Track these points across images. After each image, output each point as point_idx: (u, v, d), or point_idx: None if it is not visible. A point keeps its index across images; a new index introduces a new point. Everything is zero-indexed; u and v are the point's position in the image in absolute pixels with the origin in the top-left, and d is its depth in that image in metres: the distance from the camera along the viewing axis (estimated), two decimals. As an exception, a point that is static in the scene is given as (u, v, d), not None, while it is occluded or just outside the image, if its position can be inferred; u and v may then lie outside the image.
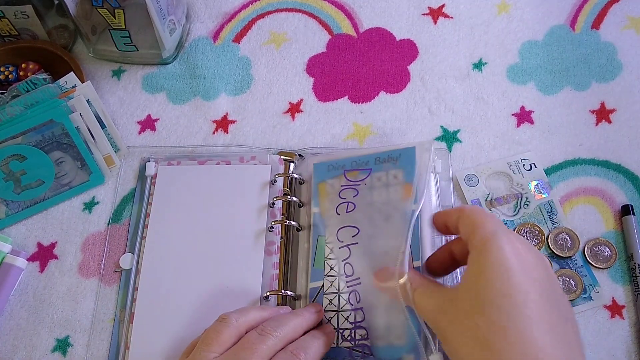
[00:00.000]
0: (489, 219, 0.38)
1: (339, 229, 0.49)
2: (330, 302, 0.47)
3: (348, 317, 0.46)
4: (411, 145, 0.49)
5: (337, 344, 0.46)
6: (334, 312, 0.47)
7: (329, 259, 0.49)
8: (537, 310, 0.33)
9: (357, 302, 0.47)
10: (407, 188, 0.47)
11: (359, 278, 0.47)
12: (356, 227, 0.49)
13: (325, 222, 0.50)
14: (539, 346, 0.32)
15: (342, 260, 0.48)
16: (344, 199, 0.50)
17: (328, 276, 0.48)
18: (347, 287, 0.47)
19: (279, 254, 0.51)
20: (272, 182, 0.54)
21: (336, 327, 0.46)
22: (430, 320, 0.39)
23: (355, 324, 0.46)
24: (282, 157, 0.56)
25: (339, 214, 0.50)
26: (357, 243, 0.48)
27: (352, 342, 0.46)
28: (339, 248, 0.49)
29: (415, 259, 0.45)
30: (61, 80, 0.57)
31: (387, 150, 0.50)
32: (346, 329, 0.46)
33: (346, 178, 0.51)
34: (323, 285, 0.48)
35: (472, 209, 0.39)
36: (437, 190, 0.52)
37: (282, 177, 0.54)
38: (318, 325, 0.46)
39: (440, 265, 0.44)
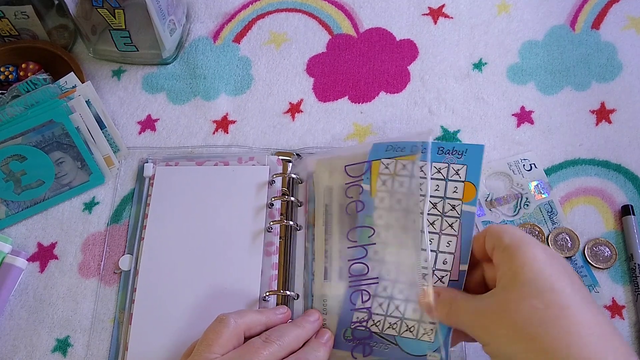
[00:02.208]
0: (514, 229, 0.40)
1: (390, 213, 0.47)
2: (369, 284, 0.47)
3: (382, 304, 0.46)
4: (480, 144, 0.47)
5: (367, 326, 0.46)
6: (369, 297, 0.46)
7: (372, 241, 0.47)
8: (579, 300, 0.36)
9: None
10: (468, 187, 0.45)
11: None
12: (406, 215, 0.47)
13: (374, 202, 0.48)
14: (603, 325, 0.35)
15: (385, 244, 0.47)
16: (400, 183, 0.47)
17: (370, 259, 0.47)
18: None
19: (278, 255, 0.51)
20: (271, 183, 0.54)
21: (369, 309, 0.46)
22: (468, 326, 0.40)
23: (387, 314, 0.46)
24: (280, 157, 0.56)
25: (391, 197, 0.47)
26: (405, 231, 0.46)
27: (380, 329, 0.46)
28: (385, 231, 0.47)
29: (462, 262, 0.44)
30: (61, 81, 0.57)
31: (453, 143, 0.48)
32: (378, 314, 0.46)
33: (403, 161, 0.48)
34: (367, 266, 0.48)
35: (496, 225, 0.41)
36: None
37: (281, 177, 0.54)
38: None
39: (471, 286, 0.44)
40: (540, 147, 0.56)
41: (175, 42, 0.63)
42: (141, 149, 0.59)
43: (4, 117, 0.55)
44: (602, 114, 0.57)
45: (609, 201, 0.53)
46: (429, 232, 0.45)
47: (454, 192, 0.45)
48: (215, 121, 0.60)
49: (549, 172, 0.55)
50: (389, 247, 0.47)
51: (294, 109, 0.60)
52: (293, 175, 0.55)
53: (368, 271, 0.48)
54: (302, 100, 0.61)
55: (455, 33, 0.63)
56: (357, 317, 0.47)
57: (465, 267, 0.44)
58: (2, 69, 0.62)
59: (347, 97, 0.61)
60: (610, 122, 0.57)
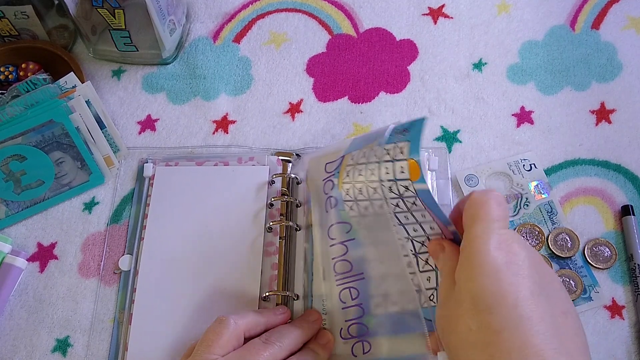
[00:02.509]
0: (487, 211, 0.36)
1: (356, 204, 0.46)
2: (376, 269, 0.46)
3: (378, 304, 0.46)
4: (421, 117, 0.42)
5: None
6: (358, 293, 0.46)
7: (350, 238, 0.47)
8: (530, 308, 0.32)
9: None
10: (412, 165, 0.40)
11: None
12: (374, 203, 0.45)
13: (341, 195, 0.47)
14: (536, 347, 0.31)
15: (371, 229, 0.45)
16: (360, 173, 0.45)
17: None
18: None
19: (277, 255, 0.51)
20: (271, 183, 0.54)
21: (362, 305, 0.45)
22: (436, 325, 0.39)
23: (402, 290, 0.45)
24: (280, 157, 0.56)
25: (354, 189, 0.46)
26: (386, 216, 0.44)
27: (400, 307, 0.45)
28: (368, 220, 0.46)
29: (447, 223, 0.39)
30: (61, 81, 0.57)
31: (403, 123, 0.43)
32: (392, 293, 0.45)
33: (362, 150, 0.45)
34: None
35: (479, 196, 0.37)
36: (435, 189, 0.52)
37: (280, 178, 0.54)
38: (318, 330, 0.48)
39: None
40: (540, 147, 0.56)
41: (175, 42, 0.63)
42: (141, 149, 0.59)
43: (4, 117, 0.55)
44: (602, 114, 0.57)
45: (609, 201, 0.53)
46: (401, 212, 0.43)
47: (402, 172, 0.41)
48: (215, 121, 0.60)
49: (548, 172, 0.55)
50: (365, 240, 0.47)
51: (294, 109, 0.60)
52: (293, 176, 0.55)
53: (352, 267, 0.47)
54: (302, 100, 0.61)
55: (455, 33, 0.63)
56: (351, 315, 0.47)
57: (453, 227, 0.39)
58: (2, 69, 0.62)
59: (347, 97, 0.61)
60: (610, 122, 0.57)
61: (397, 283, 0.46)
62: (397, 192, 0.42)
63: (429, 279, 0.44)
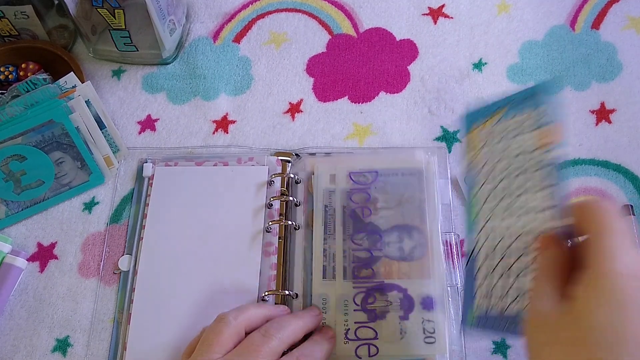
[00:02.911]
0: (616, 222, 0.33)
1: (486, 185, 0.43)
2: (483, 263, 0.42)
3: (498, 282, 0.40)
4: (545, 81, 0.41)
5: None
6: (485, 277, 0.41)
7: (480, 214, 0.43)
8: None
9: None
10: (546, 132, 0.39)
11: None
12: (498, 182, 0.42)
13: (474, 179, 0.44)
14: None
15: (493, 215, 0.42)
16: (492, 146, 0.43)
17: (480, 233, 0.42)
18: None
19: (277, 255, 0.51)
20: (270, 183, 0.54)
21: (488, 292, 0.40)
22: (527, 328, 0.35)
23: (506, 290, 0.40)
24: (280, 157, 0.56)
25: (483, 169, 0.43)
26: (507, 197, 0.41)
27: (501, 310, 0.40)
28: (487, 206, 0.42)
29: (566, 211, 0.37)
30: (61, 81, 0.57)
31: (523, 90, 0.41)
32: (498, 294, 0.40)
33: (487, 127, 0.43)
34: (477, 243, 0.42)
35: (601, 204, 0.34)
36: (436, 189, 0.53)
37: (280, 178, 0.54)
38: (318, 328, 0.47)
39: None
40: (540, 147, 0.56)
41: (175, 42, 0.63)
42: (141, 149, 0.59)
43: (4, 117, 0.55)
44: (602, 114, 0.57)
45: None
46: (530, 191, 0.39)
47: (542, 139, 0.39)
48: (215, 121, 0.60)
49: (548, 172, 0.55)
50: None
51: (294, 109, 0.60)
52: (292, 175, 0.55)
53: (374, 275, 0.49)
54: (302, 100, 0.61)
55: (455, 33, 0.63)
56: (361, 318, 0.47)
57: (566, 222, 0.36)
58: (2, 69, 0.62)
59: (347, 97, 0.61)
60: (610, 122, 0.57)
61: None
62: (534, 164, 0.39)
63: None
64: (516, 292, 0.38)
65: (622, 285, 0.31)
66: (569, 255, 0.35)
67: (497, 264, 0.40)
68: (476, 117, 0.45)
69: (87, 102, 0.57)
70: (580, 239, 0.35)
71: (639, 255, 0.32)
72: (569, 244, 0.36)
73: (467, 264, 0.43)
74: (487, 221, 0.42)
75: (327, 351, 0.45)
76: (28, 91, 0.57)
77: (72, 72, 0.58)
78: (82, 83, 0.58)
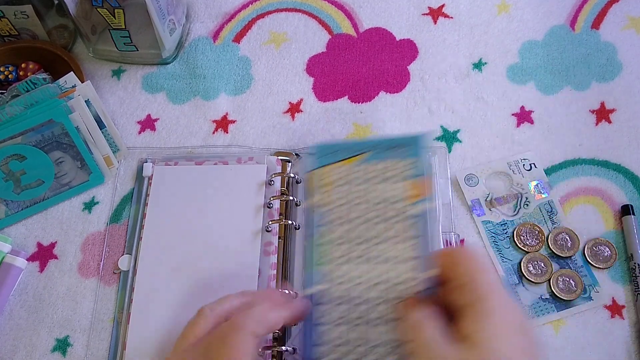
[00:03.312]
0: (485, 264, 0.37)
1: (335, 226, 0.43)
2: (323, 313, 0.41)
3: (361, 331, 0.40)
4: (418, 134, 0.42)
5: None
6: (333, 325, 0.40)
7: (321, 264, 0.42)
8: None
9: (367, 314, 0.41)
10: (415, 185, 0.40)
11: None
12: (356, 226, 0.42)
13: (317, 219, 0.43)
14: None
15: (339, 265, 0.42)
16: (339, 193, 0.43)
17: (320, 284, 0.41)
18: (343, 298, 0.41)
19: (276, 254, 0.51)
20: (270, 183, 0.54)
21: (346, 340, 0.39)
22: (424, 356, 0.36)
23: (367, 340, 0.39)
24: (280, 157, 0.56)
25: (335, 209, 0.43)
26: (358, 245, 0.42)
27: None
28: (336, 249, 0.42)
29: (424, 267, 0.39)
30: (61, 80, 0.57)
31: (392, 137, 0.43)
32: (353, 342, 0.39)
33: (346, 165, 0.44)
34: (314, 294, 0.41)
35: (465, 250, 0.38)
36: (436, 189, 0.53)
37: (280, 177, 0.54)
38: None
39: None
40: (540, 147, 0.56)
41: (175, 42, 0.63)
42: (141, 148, 0.59)
43: (4, 116, 0.55)
44: (602, 114, 0.57)
45: (609, 201, 0.53)
46: (388, 240, 0.40)
47: (402, 192, 0.40)
48: (215, 121, 0.60)
49: (548, 171, 0.55)
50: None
51: (294, 109, 0.60)
52: (292, 175, 0.55)
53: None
54: (302, 100, 0.61)
55: (455, 33, 0.63)
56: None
57: (428, 274, 0.38)
58: (2, 69, 0.62)
59: (347, 96, 0.61)
60: (610, 122, 0.57)
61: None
62: (389, 215, 0.40)
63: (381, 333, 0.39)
64: (371, 342, 0.39)
65: (504, 314, 0.34)
66: (440, 304, 0.37)
67: (352, 312, 0.40)
68: (331, 151, 0.44)
69: (87, 102, 0.57)
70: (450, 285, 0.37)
71: (506, 291, 0.36)
72: (435, 294, 0.38)
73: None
74: (338, 264, 0.41)
75: (283, 318, 0.41)
76: (28, 91, 0.57)
77: (71, 72, 0.58)
78: (82, 83, 0.58)
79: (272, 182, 0.54)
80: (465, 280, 0.36)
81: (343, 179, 0.43)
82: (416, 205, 0.39)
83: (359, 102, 0.60)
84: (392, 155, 0.41)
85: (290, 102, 0.61)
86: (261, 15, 0.66)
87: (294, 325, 0.47)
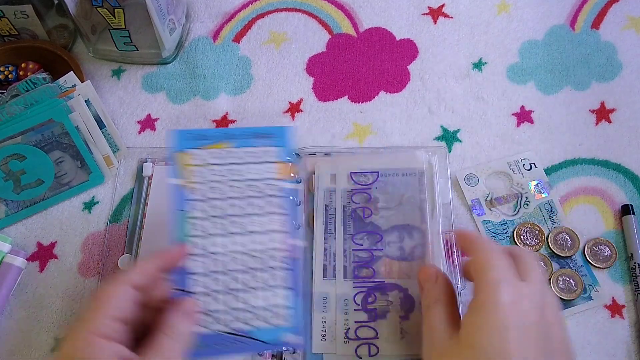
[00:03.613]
0: (495, 264, 0.38)
1: (206, 202, 0.47)
2: (198, 283, 0.45)
3: (220, 299, 0.44)
4: (284, 126, 0.50)
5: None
6: (204, 295, 0.44)
7: (194, 236, 0.46)
8: None
9: (230, 284, 0.45)
10: (282, 168, 0.48)
11: (229, 255, 0.46)
12: (227, 202, 0.47)
13: (188, 195, 0.47)
14: None
15: (210, 236, 0.46)
16: (213, 170, 0.47)
17: (194, 255, 0.45)
18: (218, 267, 0.45)
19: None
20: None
21: (211, 310, 0.44)
22: (425, 348, 0.40)
23: (231, 308, 0.44)
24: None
25: (206, 187, 0.47)
26: (228, 218, 0.46)
27: (227, 326, 0.44)
28: (207, 223, 0.46)
29: (293, 237, 0.46)
30: (61, 80, 0.57)
31: (260, 127, 0.50)
32: (218, 311, 0.44)
33: (210, 149, 0.48)
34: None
35: (484, 250, 0.39)
36: (436, 189, 0.53)
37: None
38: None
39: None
40: (540, 146, 0.56)
41: (175, 42, 0.63)
42: (141, 148, 0.59)
43: (4, 116, 0.55)
44: (602, 114, 0.57)
45: (609, 201, 0.53)
46: (255, 214, 0.46)
47: (271, 172, 0.47)
48: (215, 120, 0.60)
49: (548, 171, 0.55)
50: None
51: (294, 109, 0.60)
52: (292, 175, 0.55)
53: (374, 274, 0.49)
54: (302, 99, 0.61)
55: (455, 33, 0.63)
56: (362, 317, 0.48)
57: (299, 242, 0.46)
58: (2, 69, 0.62)
59: (347, 96, 0.61)
60: (610, 121, 0.57)
61: (246, 279, 0.45)
62: (261, 191, 0.47)
63: (259, 298, 0.44)
64: (242, 310, 0.44)
65: (505, 312, 0.35)
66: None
67: (219, 282, 0.44)
68: (199, 136, 0.48)
69: (87, 102, 0.57)
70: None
71: (520, 286, 0.37)
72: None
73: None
74: (206, 238, 0.46)
75: (156, 265, 0.42)
76: (28, 90, 0.57)
77: (71, 72, 0.58)
78: (82, 82, 0.58)
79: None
80: (477, 274, 0.38)
81: (216, 159, 0.47)
82: (284, 183, 0.47)
83: (359, 102, 0.60)
84: (260, 142, 0.48)
85: (290, 102, 0.61)
86: (261, 15, 0.66)
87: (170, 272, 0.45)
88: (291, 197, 0.47)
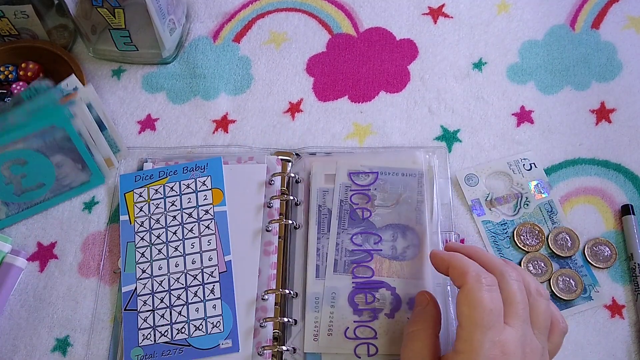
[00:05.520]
0: (471, 267, 0.39)
1: (150, 233, 0.53)
2: (145, 302, 0.50)
3: (164, 314, 0.49)
4: (216, 156, 0.55)
5: (155, 340, 0.49)
6: (149, 312, 0.50)
7: (140, 263, 0.52)
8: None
9: (171, 300, 0.50)
10: (215, 192, 0.54)
11: (168, 275, 0.51)
12: (169, 230, 0.53)
13: (134, 228, 0.53)
14: None
15: (155, 261, 0.52)
16: (156, 205, 0.54)
17: (141, 279, 0.51)
18: (160, 287, 0.51)
19: (277, 254, 0.51)
20: (270, 182, 0.54)
21: (152, 325, 0.49)
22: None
23: (172, 322, 0.49)
24: (280, 157, 0.56)
25: (149, 219, 0.53)
26: (170, 244, 0.52)
27: (170, 338, 0.49)
28: (151, 251, 0.52)
29: (225, 253, 0.51)
30: (62, 83, 0.57)
31: (193, 161, 0.56)
32: (163, 325, 0.49)
33: (154, 186, 0.55)
34: (136, 288, 0.51)
35: (460, 259, 0.41)
36: (436, 189, 0.53)
37: (280, 177, 0.54)
38: None
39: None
40: (540, 146, 0.56)
41: (175, 42, 0.63)
42: (141, 148, 0.59)
43: (6, 125, 0.55)
44: (602, 114, 0.57)
45: (609, 201, 0.53)
46: (192, 237, 0.52)
47: (205, 199, 0.53)
48: (215, 121, 0.60)
49: (548, 171, 0.55)
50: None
51: (294, 109, 0.60)
52: (292, 175, 0.55)
53: (364, 271, 0.49)
54: (302, 99, 0.61)
55: (455, 33, 0.63)
56: (361, 317, 0.48)
57: (229, 257, 0.51)
58: (1, 69, 0.62)
59: (347, 96, 0.61)
60: (610, 121, 0.57)
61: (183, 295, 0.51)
62: (195, 217, 0.53)
63: (197, 310, 0.49)
64: (182, 322, 0.49)
65: (486, 303, 0.37)
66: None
67: (161, 300, 0.50)
68: (136, 178, 0.56)
69: (89, 106, 0.56)
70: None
71: (507, 329, 0.38)
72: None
73: (127, 304, 0.51)
74: (150, 263, 0.52)
75: None
76: (30, 98, 0.57)
77: (73, 75, 0.58)
78: (83, 84, 0.58)
79: (272, 182, 0.54)
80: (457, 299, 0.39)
81: (158, 193, 0.54)
82: (213, 208, 0.53)
83: (359, 102, 0.60)
84: (193, 175, 0.55)
85: (290, 102, 0.61)
86: (261, 15, 0.66)
87: None
88: (223, 218, 0.52)
